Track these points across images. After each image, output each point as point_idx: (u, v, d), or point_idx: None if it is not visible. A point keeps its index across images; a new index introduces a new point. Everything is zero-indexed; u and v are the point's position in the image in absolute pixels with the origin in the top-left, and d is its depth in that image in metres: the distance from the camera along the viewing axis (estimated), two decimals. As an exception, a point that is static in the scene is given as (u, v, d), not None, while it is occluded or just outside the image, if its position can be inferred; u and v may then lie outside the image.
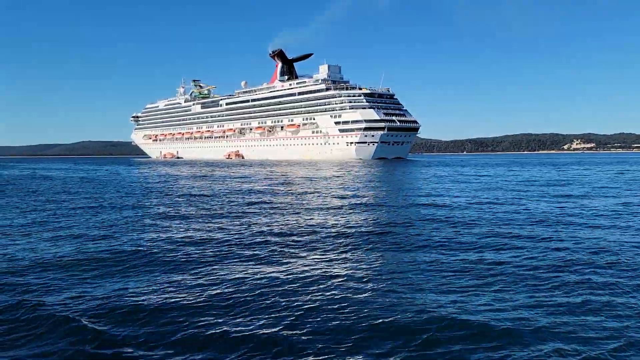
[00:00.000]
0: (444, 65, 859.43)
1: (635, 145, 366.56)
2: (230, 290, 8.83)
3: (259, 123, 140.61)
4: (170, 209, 21.00)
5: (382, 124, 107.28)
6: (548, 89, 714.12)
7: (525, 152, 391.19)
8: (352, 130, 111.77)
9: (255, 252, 11.96)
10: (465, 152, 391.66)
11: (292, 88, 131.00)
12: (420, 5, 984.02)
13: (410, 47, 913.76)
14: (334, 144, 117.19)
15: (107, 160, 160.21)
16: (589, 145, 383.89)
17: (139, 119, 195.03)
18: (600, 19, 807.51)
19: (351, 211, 19.52)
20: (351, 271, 10.13)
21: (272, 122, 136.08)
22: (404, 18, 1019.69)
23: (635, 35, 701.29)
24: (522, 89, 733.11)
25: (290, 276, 9.70)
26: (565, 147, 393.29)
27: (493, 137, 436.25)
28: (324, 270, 10.22)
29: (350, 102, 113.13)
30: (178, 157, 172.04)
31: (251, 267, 10.56)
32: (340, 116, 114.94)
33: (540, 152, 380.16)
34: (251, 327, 7.04)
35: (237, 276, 9.74)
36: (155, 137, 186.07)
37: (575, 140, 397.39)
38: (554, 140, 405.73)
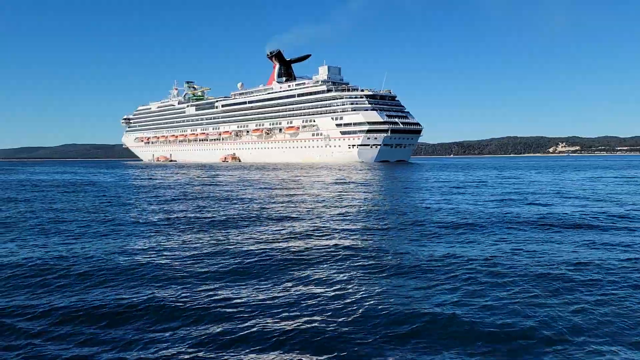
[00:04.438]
0: (430, 68, 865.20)
1: (619, 148, 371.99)
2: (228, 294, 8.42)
3: (256, 125, 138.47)
4: (162, 214, 19.46)
5: (385, 126, 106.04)
6: (534, 92, 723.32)
7: (512, 154, 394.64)
8: (354, 132, 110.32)
9: (253, 260, 11.13)
10: (452, 155, 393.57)
11: (291, 89, 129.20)
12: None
13: (402, 50, 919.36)
14: (335, 146, 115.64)
15: (107, 164, 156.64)
16: (573, 148, 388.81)
17: (131, 121, 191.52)
18: (590, 25, 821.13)
19: (363, 219, 18.09)
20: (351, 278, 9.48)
21: (270, 125, 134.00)
22: (405, 20, 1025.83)
23: (621, 41, 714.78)
24: (508, 92, 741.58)
25: (288, 283, 9.15)
26: (551, 150, 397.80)
27: (479, 140, 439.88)
28: (323, 278, 9.53)
29: (352, 103, 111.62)
30: (171, 160, 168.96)
31: (250, 271, 9.98)
32: (341, 118, 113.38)
33: (527, 155, 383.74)
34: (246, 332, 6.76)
35: (235, 282, 9.25)
36: (148, 139, 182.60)
37: (560, 143, 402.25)
38: (539, 143, 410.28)
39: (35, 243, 12.94)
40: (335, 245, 12.29)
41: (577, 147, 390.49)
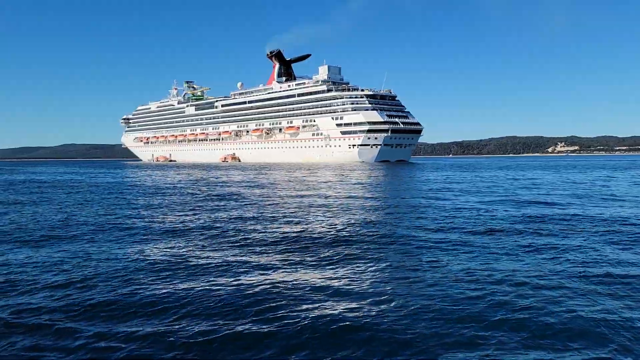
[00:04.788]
0: (430, 68, 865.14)
1: (618, 148, 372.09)
2: (231, 295, 8.42)
3: (256, 125, 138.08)
4: (165, 213, 19.76)
5: (385, 126, 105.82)
6: (534, 92, 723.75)
7: (511, 154, 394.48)
8: (354, 132, 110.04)
9: (255, 259, 11.25)
10: (451, 155, 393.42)
11: (291, 89, 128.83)
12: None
13: (402, 50, 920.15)
14: (335, 146, 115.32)
15: (107, 165, 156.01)
16: (572, 148, 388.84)
17: (130, 121, 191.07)
18: (590, 25, 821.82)
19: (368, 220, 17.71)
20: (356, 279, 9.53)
21: (270, 124, 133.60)
22: (405, 20, 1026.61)
23: (621, 41, 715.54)
24: (508, 92, 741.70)
25: (290, 282, 9.25)
26: (550, 149, 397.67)
27: (478, 140, 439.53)
28: (325, 276, 9.69)
29: (353, 103, 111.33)
30: (171, 160, 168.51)
31: (250, 273, 10.06)
32: (342, 118, 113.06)
33: (526, 154, 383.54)
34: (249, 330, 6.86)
35: (237, 282, 9.29)
36: (147, 139, 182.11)
37: (559, 143, 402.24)
38: (538, 143, 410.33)
39: (50, 247, 12.52)
40: (367, 257, 11.64)
41: (576, 147, 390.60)
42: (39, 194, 30.80)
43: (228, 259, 11.20)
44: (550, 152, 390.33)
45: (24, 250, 12.33)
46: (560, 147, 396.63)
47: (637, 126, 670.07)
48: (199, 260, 11.02)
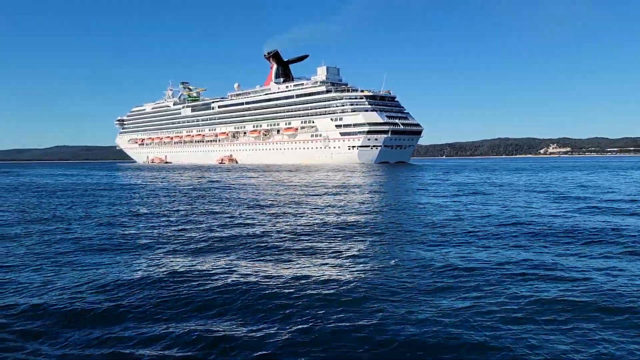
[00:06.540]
0: (430, 68, 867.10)
1: (609, 149, 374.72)
2: (232, 292, 8.57)
3: (253, 126, 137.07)
4: (168, 211, 20.10)
5: (385, 127, 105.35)
6: (532, 91, 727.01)
7: (503, 156, 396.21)
8: (354, 133, 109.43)
9: (256, 257, 11.42)
10: (444, 156, 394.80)
11: (289, 90, 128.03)
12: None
13: (402, 50, 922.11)
14: (334, 147, 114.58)
15: (102, 166, 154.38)
16: (564, 150, 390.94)
17: (125, 122, 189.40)
18: (590, 25, 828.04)
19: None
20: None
21: (268, 126, 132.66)
22: (405, 20, 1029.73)
23: (621, 41, 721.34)
24: (507, 92, 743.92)
25: (290, 279, 9.37)
26: (542, 151, 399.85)
27: (471, 142, 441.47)
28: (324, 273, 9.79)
29: (352, 104, 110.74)
30: (167, 162, 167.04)
31: (253, 269, 10.21)
32: (341, 119, 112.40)
33: (519, 156, 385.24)
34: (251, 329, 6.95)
35: (238, 279, 9.44)
36: (142, 141, 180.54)
37: (551, 144, 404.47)
38: (530, 144, 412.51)
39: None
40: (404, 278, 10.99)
41: (568, 148, 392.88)
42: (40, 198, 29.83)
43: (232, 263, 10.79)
44: (543, 154, 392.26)
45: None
46: (553, 148, 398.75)
47: (628, 127, 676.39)
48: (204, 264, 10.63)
